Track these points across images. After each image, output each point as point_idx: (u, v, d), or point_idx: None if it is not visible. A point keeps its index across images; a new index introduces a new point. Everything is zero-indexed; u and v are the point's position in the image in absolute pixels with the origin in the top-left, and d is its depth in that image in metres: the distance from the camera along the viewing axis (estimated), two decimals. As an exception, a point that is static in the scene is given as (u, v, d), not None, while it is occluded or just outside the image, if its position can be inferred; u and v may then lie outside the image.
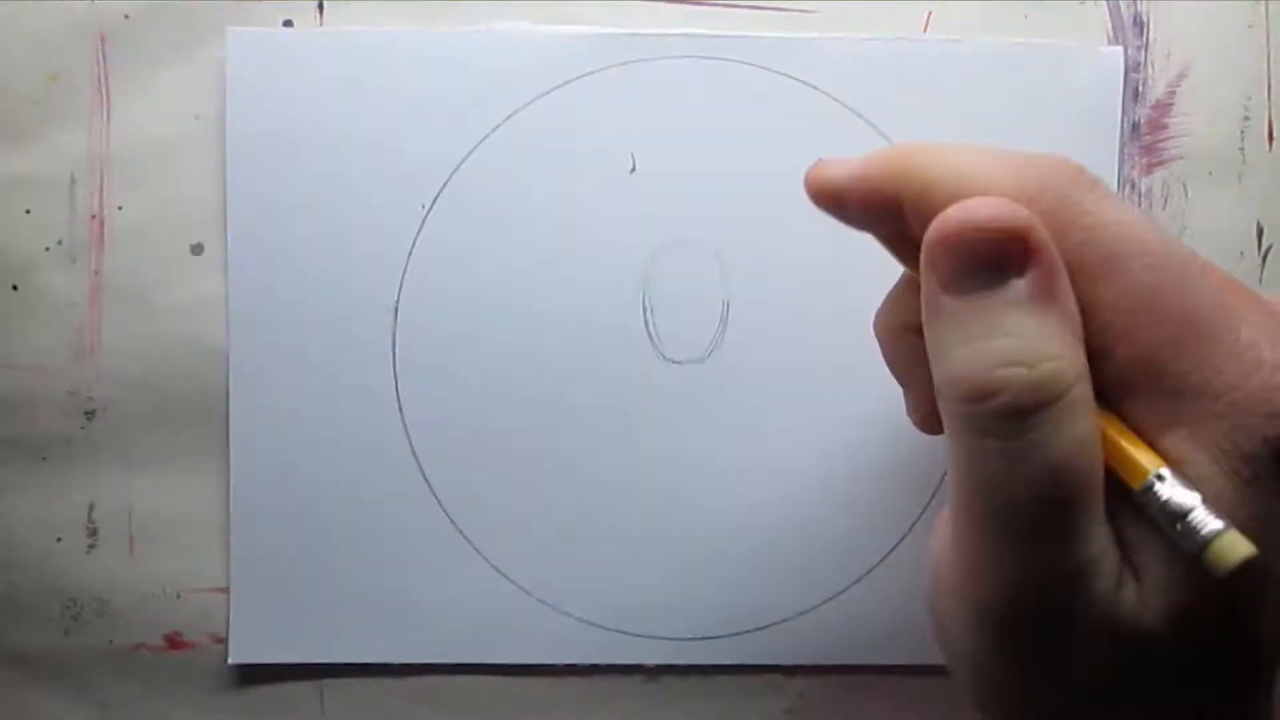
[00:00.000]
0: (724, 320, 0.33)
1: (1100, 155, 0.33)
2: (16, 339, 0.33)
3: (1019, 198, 0.20)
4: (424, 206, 0.32)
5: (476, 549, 0.33)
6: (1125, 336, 0.20)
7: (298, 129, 0.32)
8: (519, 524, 0.33)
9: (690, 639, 0.33)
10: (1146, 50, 0.33)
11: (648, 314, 0.33)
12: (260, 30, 0.32)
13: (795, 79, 0.32)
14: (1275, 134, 0.33)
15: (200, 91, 0.32)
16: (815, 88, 0.32)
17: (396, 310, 0.32)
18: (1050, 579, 0.20)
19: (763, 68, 0.32)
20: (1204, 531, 0.18)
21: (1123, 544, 0.20)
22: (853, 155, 0.23)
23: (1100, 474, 0.20)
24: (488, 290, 0.32)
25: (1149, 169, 0.33)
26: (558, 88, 0.32)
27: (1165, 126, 0.33)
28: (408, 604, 0.33)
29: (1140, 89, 0.33)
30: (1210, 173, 0.33)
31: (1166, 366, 0.19)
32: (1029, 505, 0.19)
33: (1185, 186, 0.33)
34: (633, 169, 0.32)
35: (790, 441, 0.33)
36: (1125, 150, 0.33)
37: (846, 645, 0.33)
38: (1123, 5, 0.33)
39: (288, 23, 0.32)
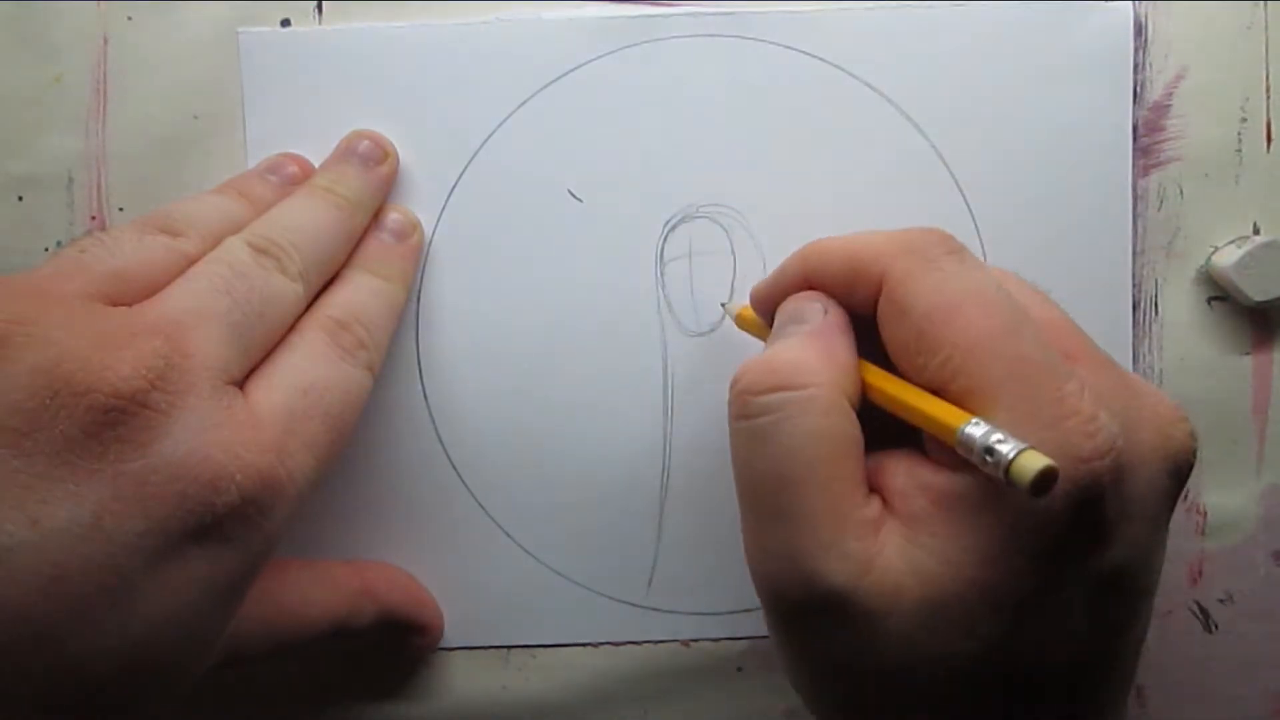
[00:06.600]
0: (737, 291, 0.33)
1: (1113, 111, 0.32)
2: (19, 338, 0.33)
3: (885, 254, 0.25)
4: (443, 196, 0.33)
5: (507, 532, 0.33)
6: (963, 371, 0.23)
7: (315, 126, 0.32)
8: (545, 505, 0.33)
9: (720, 613, 0.33)
10: (1144, 52, 0.33)
11: (665, 289, 0.33)
12: (271, 30, 0.32)
13: (802, 52, 0.32)
14: (1273, 136, 0.33)
15: (199, 92, 0.32)
16: (823, 59, 0.32)
17: (419, 298, 0.33)
18: (790, 554, 0.23)
19: (769, 42, 0.32)
20: (1009, 454, 0.21)
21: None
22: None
23: (840, 469, 0.23)
24: (508, 276, 0.33)
25: (1145, 171, 0.33)
26: (567, 73, 0.32)
27: (1162, 129, 0.33)
28: (441, 591, 0.33)
29: (1138, 91, 0.33)
30: (1207, 174, 0.33)
31: (996, 401, 0.22)
32: (766, 482, 0.24)
33: (1181, 189, 0.33)
34: (645, 148, 0.33)
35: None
36: (1122, 151, 0.33)
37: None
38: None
39: (285, 22, 0.32)
